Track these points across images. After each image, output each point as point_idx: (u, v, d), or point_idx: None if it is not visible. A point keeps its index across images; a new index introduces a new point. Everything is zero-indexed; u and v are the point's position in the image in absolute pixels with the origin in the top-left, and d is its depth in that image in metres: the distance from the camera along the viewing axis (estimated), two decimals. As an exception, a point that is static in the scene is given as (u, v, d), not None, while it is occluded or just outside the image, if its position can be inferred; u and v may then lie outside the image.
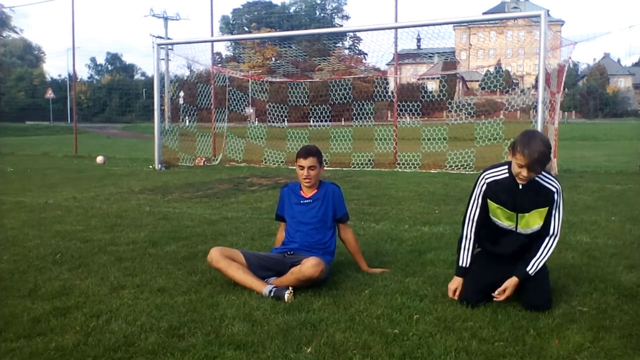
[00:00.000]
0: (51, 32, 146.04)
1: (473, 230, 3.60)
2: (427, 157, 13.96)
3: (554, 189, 3.48)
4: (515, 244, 3.56)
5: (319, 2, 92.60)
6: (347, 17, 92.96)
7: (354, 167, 13.84)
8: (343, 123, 18.09)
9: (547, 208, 3.48)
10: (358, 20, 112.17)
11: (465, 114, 16.59)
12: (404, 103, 15.49)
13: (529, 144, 3.21)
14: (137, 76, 79.63)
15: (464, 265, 3.60)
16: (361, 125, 16.38)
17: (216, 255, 3.84)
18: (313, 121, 16.48)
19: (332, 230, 4.22)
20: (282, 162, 14.71)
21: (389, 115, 27.65)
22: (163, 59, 24.32)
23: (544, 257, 3.48)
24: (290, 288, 3.59)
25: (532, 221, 3.49)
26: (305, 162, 4.05)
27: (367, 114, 16.61)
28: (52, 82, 67.22)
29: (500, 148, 12.73)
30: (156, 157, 13.96)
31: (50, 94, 49.07)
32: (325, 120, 16.09)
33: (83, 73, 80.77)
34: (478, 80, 50.12)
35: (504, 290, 3.42)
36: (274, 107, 16.99)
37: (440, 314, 3.28)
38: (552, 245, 3.52)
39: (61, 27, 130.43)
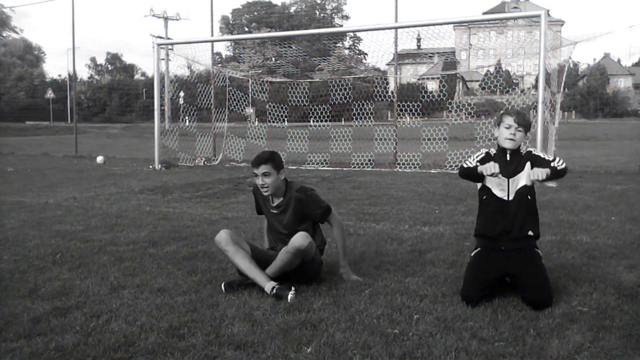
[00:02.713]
0: (51, 32, 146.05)
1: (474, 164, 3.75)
2: (427, 157, 13.96)
3: (532, 150, 3.78)
4: (509, 219, 3.65)
5: (319, 2, 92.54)
6: (347, 17, 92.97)
7: (354, 167, 13.85)
8: (343, 123, 18.08)
9: (527, 165, 3.68)
10: (358, 20, 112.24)
11: (465, 114, 16.58)
12: (404, 103, 15.49)
13: (508, 109, 3.64)
14: (137, 76, 79.61)
15: (476, 164, 3.71)
16: (361, 125, 16.37)
17: (225, 238, 3.79)
18: (313, 121, 16.47)
19: (316, 228, 4.11)
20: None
21: (389, 115, 27.65)
22: (163, 59, 24.33)
23: (562, 165, 3.62)
24: (293, 289, 3.57)
25: (519, 181, 3.69)
26: (258, 170, 3.86)
27: (367, 114, 16.59)
28: (52, 82, 67.19)
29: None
30: (156, 157, 13.96)
31: (50, 94, 49.06)
32: (325, 120, 16.09)
33: (83, 73, 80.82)
34: (478, 80, 50.08)
35: (536, 173, 3.51)
36: (274, 107, 16.98)
37: (440, 314, 3.28)
38: (562, 165, 3.63)
39: (61, 27, 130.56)
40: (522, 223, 3.66)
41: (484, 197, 3.79)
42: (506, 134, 3.66)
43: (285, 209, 3.97)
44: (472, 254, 3.82)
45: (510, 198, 3.68)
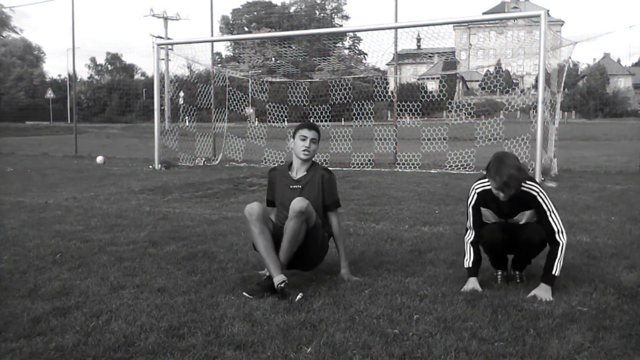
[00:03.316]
0: (51, 32, 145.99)
1: (473, 236, 3.87)
2: (427, 157, 13.96)
3: (534, 192, 3.70)
4: (509, 225, 3.83)
5: (319, 2, 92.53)
6: (347, 17, 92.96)
7: (354, 167, 13.85)
8: (343, 123, 18.07)
9: (530, 211, 3.76)
10: (358, 20, 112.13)
11: (465, 114, 16.58)
12: (404, 103, 15.49)
13: (498, 170, 3.49)
14: (137, 76, 79.57)
15: (469, 265, 3.82)
16: (361, 125, 16.37)
17: (258, 213, 3.73)
18: (313, 121, 16.45)
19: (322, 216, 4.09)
20: (282, 162, 14.69)
21: (389, 115, 27.65)
22: (163, 59, 24.32)
23: (562, 255, 3.69)
24: (301, 294, 3.52)
25: (519, 220, 3.81)
26: (309, 134, 4.02)
27: (367, 114, 16.58)
28: (52, 82, 67.17)
29: (500, 148, 12.72)
30: (156, 157, 13.96)
31: (50, 94, 49.05)
32: (325, 120, 16.08)
33: (83, 73, 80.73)
34: (478, 80, 50.07)
35: (542, 294, 3.59)
36: (274, 107, 16.98)
37: (440, 314, 3.28)
38: (564, 242, 3.71)
39: (61, 27, 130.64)
40: (522, 227, 3.82)
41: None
42: (494, 192, 3.63)
43: (307, 184, 4.02)
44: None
45: (509, 221, 3.85)
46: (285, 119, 16.96)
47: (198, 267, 4.33)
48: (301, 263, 3.91)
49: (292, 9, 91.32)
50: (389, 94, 16.76)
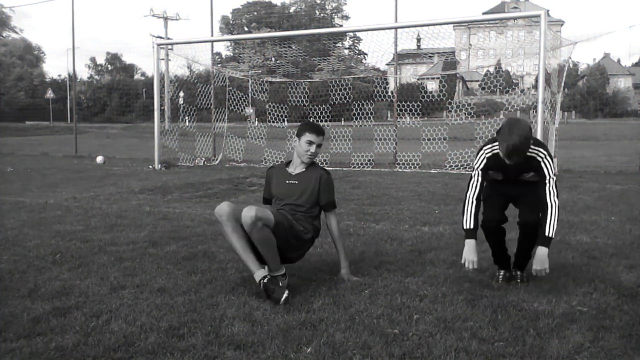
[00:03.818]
0: (51, 32, 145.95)
1: (475, 196, 3.90)
2: (427, 157, 13.96)
3: (540, 157, 3.79)
4: (513, 185, 3.97)
5: (319, 2, 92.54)
6: (347, 17, 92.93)
7: (354, 167, 13.85)
8: (343, 123, 18.08)
9: (534, 172, 3.85)
10: (358, 20, 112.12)
11: (465, 114, 16.58)
12: (404, 103, 15.49)
13: (507, 138, 3.56)
14: (137, 76, 79.57)
15: (469, 227, 3.84)
16: (361, 125, 16.37)
17: (227, 212, 3.65)
18: (313, 121, 16.45)
19: (317, 211, 4.06)
20: (282, 161, 14.71)
21: (389, 115, 27.66)
22: (163, 59, 24.31)
23: (556, 216, 3.74)
24: (287, 292, 3.50)
25: (522, 180, 3.94)
26: (317, 140, 3.99)
27: (367, 114, 16.58)
28: (52, 82, 67.16)
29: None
30: (156, 157, 13.96)
31: (50, 94, 49.06)
32: (325, 120, 16.08)
33: (83, 73, 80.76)
34: (478, 80, 50.07)
35: (536, 271, 3.69)
36: (274, 107, 16.98)
37: (440, 314, 3.28)
38: (556, 204, 3.76)
39: (61, 27, 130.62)
40: (526, 184, 3.93)
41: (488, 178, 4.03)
42: (502, 156, 3.70)
43: (304, 179, 4.01)
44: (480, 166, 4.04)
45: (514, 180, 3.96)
46: (285, 119, 16.96)
47: (198, 267, 4.33)
48: (282, 260, 3.84)
49: (292, 9, 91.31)
50: (389, 94, 16.77)
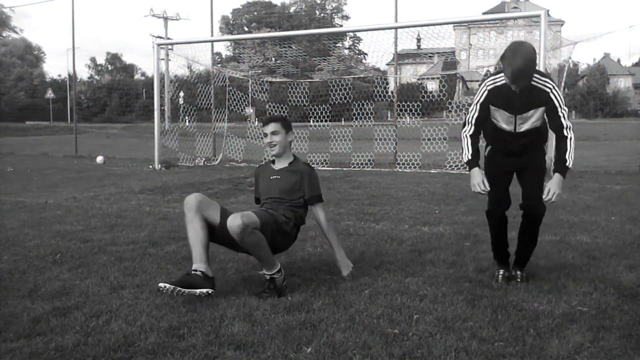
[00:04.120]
0: (51, 32, 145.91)
1: (472, 130, 3.83)
2: (427, 157, 13.96)
3: (548, 89, 3.64)
4: (517, 142, 3.81)
5: (319, 2, 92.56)
6: (347, 17, 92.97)
7: (354, 167, 13.85)
8: (343, 123, 18.08)
9: (542, 108, 3.68)
10: (358, 20, 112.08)
11: (465, 114, 16.57)
12: (404, 103, 15.48)
13: (512, 61, 3.43)
14: (137, 76, 79.58)
15: (469, 158, 3.82)
16: (361, 125, 16.37)
17: (192, 204, 3.69)
18: (313, 121, 16.47)
19: (301, 202, 4.02)
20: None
21: (389, 115, 27.67)
22: (163, 59, 24.30)
23: (573, 147, 3.69)
24: (209, 290, 3.45)
25: (529, 119, 3.73)
26: (267, 129, 4.01)
27: (367, 114, 16.59)
28: (52, 82, 67.16)
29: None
30: (156, 157, 13.96)
31: (50, 94, 49.07)
32: (325, 120, 16.09)
33: (83, 73, 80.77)
34: (478, 80, 50.06)
35: (550, 191, 3.64)
36: (274, 107, 16.98)
37: (440, 314, 3.28)
38: (572, 136, 3.69)
39: (61, 27, 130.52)
40: (528, 144, 3.83)
41: (492, 125, 3.86)
42: (507, 82, 3.55)
43: (287, 174, 4.03)
44: (486, 154, 4.02)
45: (517, 131, 3.78)
46: (285, 119, 16.93)
47: (198, 267, 4.32)
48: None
49: (292, 9, 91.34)
50: (389, 94, 16.77)
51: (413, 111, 15.30)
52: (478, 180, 3.75)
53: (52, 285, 3.85)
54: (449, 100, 17.67)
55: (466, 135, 3.83)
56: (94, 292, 3.73)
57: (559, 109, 3.64)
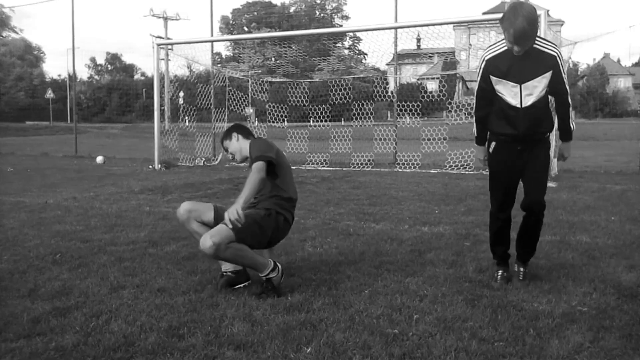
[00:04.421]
0: (51, 32, 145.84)
1: (477, 106, 3.86)
2: (427, 157, 13.96)
3: (554, 53, 3.54)
4: (524, 119, 3.65)
5: (319, 2, 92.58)
6: (347, 17, 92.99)
7: (354, 167, 13.85)
8: (343, 123, 18.09)
9: (549, 73, 3.55)
10: (358, 20, 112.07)
11: (465, 114, 16.57)
12: (403, 103, 15.49)
13: (512, 22, 3.32)
14: (137, 76, 79.58)
15: (475, 134, 3.98)
16: (361, 125, 16.37)
17: (183, 218, 3.92)
18: (313, 121, 16.47)
19: (274, 190, 3.90)
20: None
21: (389, 115, 27.67)
22: (163, 59, 24.30)
23: (572, 115, 3.76)
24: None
25: (535, 88, 3.57)
26: (223, 147, 4.12)
27: (367, 114, 16.59)
28: (52, 82, 67.14)
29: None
30: (156, 157, 13.96)
31: (50, 94, 49.08)
32: (325, 120, 16.09)
33: (83, 73, 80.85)
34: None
35: (563, 155, 3.86)
36: (273, 107, 16.98)
37: (440, 314, 3.28)
38: (571, 104, 3.72)
39: (61, 27, 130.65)
40: (535, 125, 3.69)
41: (498, 104, 3.76)
42: (509, 46, 3.48)
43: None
44: (490, 150, 3.95)
45: (523, 106, 3.63)
46: (285, 119, 16.96)
47: (198, 267, 4.33)
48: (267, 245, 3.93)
49: (292, 9, 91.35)
50: (389, 94, 16.77)
51: (413, 111, 15.30)
52: (479, 155, 4.01)
53: (52, 285, 3.85)
54: (449, 100, 17.68)
55: (476, 109, 3.88)
56: (94, 292, 3.73)
57: (563, 74, 3.56)
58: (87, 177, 11.49)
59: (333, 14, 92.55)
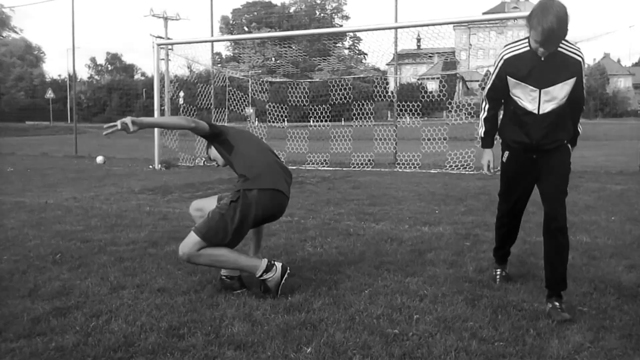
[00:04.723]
0: (51, 32, 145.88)
1: (487, 106, 3.57)
2: (427, 157, 13.96)
3: (579, 59, 3.24)
4: (540, 126, 3.33)
5: (319, 2, 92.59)
6: (347, 17, 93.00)
7: (354, 167, 13.84)
8: (343, 123, 18.08)
9: (572, 80, 3.25)
10: (358, 20, 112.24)
11: (465, 114, 16.57)
12: (403, 103, 15.48)
13: (541, 20, 3.03)
14: (137, 76, 79.59)
15: (481, 135, 3.68)
16: (361, 125, 16.37)
17: (194, 215, 3.96)
18: (313, 121, 16.47)
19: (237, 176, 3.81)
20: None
21: (389, 115, 27.67)
22: (163, 59, 24.24)
23: (579, 121, 3.52)
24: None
25: (557, 95, 3.27)
26: (207, 157, 4.17)
27: (367, 114, 16.58)
28: (52, 82, 67.14)
29: (500, 148, 12.69)
30: (156, 157, 13.96)
31: (50, 94, 49.06)
32: (325, 120, 16.09)
33: (83, 73, 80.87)
34: (478, 80, 50.08)
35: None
36: (274, 107, 16.97)
37: (440, 314, 3.28)
38: (584, 107, 3.50)
39: (61, 27, 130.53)
40: (551, 133, 3.35)
41: (511, 107, 3.45)
42: (534, 47, 3.17)
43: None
44: (504, 160, 3.65)
45: (540, 112, 3.32)
46: (285, 119, 16.95)
47: (198, 267, 4.32)
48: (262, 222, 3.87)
49: (292, 9, 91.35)
50: (389, 94, 16.76)
51: (413, 111, 15.30)
52: (484, 160, 3.69)
53: (52, 285, 3.85)
54: (449, 100, 17.66)
55: (482, 118, 3.62)
56: (94, 292, 3.73)
57: (584, 81, 3.31)
58: (87, 177, 11.49)
59: (333, 14, 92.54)
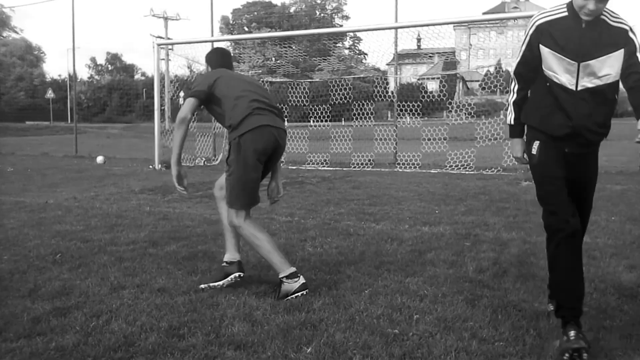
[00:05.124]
0: (51, 32, 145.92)
1: (517, 86, 2.98)
2: (427, 157, 13.97)
3: (626, 27, 2.77)
4: (579, 108, 2.80)
5: (319, 2, 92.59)
6: (347, 17, 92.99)
7: (354, 167, 13.85)
8: (343, 123, 18.09)
9: (618, 52, 2.73)
10: (358, 20, 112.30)
11: (465, 114, 16.58)
12: (404, 103, 15.49)
13: None
14: (137, 76, 79.60)
15: (511, 122, 3.03)
16: (361, 125, 16.38)
17: (218, 195, 4.03)
18: (313, 121, 16.47)
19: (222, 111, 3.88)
20: (282, 162, 14.69)
21: (389, 115, 27.67)
22: (163, 59, 24.25)
23: None
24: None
25: (599, 70, 2.74)
26: None
27: (367, 114, 16.59)
28: (52, 82, 67.15)
29: (500, 148, 12.73)
30: (156, 157, 13.96)
31: (50, 94, 49.07)
32: (325, 120, 16.09)
33: (83, 73, 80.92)
34: (478, 80, 50.04)
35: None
36: (274, 107, 16.94)
37: (440, 314, 3.28)
38: None
39: (61, 27, 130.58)
40: (593, 117, 2.81)
41: (547, 84, 2.87)
42: (580, 4, 2.68)
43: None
44: (534, 152, 2.95)
45: (578, 89, 2.79)
46: (285, 119, 16.90)
47: (198, 267, 4.33)
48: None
49: (292, 9, 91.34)
50: (389, 94, 16.78)
51: (413, 111, 15.31)
52: (517, 152, 3.04)
53: (52, 285, 3.85)
54: (449, 100, 17.69)
55: (512, 102, 3.01)
56: (94, 292, 3.73)
57: (638, 50, 2.71)
58: (87, 177, 11.50)
59: (333, 14, 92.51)
